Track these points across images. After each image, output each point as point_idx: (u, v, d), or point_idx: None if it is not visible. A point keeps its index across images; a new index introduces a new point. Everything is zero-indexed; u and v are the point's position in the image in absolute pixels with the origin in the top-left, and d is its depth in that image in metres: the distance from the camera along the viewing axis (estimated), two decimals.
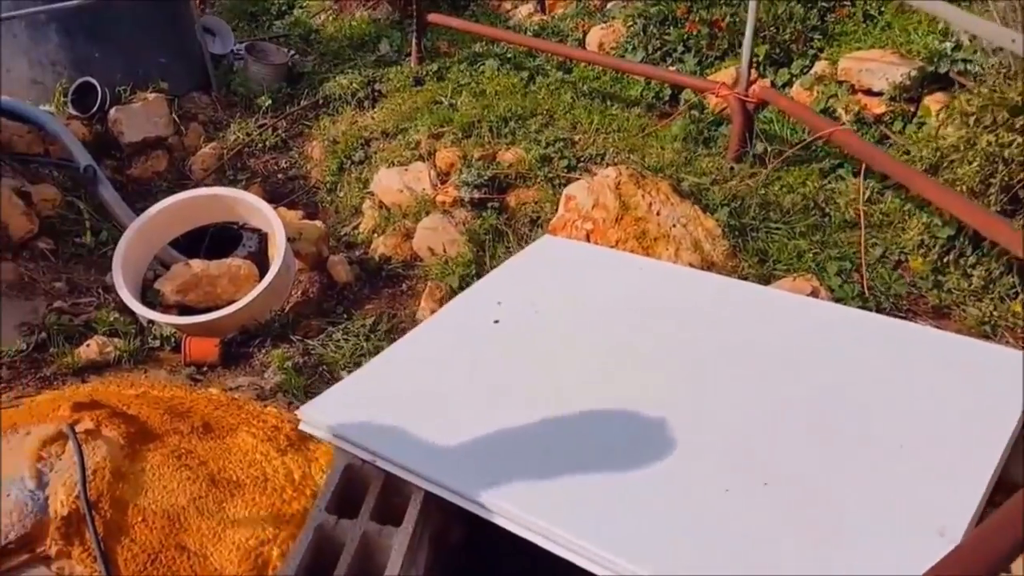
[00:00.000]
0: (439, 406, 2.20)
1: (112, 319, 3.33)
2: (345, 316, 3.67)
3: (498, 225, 3.82)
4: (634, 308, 2.51)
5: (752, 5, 3.58)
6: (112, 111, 4.70)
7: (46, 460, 2.26)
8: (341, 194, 4.62)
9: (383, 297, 3.84)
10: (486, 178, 3.97)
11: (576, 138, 4.17)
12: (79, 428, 2.35)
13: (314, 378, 3.18)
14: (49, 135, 4.38)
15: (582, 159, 4.03)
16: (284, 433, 2.72)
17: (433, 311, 3.51)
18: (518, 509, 1.82)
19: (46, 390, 2.95)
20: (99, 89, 4.63)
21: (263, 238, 4.24)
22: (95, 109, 4.64)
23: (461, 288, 3.56)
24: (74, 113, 4.67)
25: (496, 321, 2.48)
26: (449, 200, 4.00)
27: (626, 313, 2.47)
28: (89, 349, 3.13)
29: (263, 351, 3.40)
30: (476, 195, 3.94)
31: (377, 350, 3.35)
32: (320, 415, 2.16)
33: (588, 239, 3.22)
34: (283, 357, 3.25)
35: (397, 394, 2.25)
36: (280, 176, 4.91)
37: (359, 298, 3.84)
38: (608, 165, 3.94)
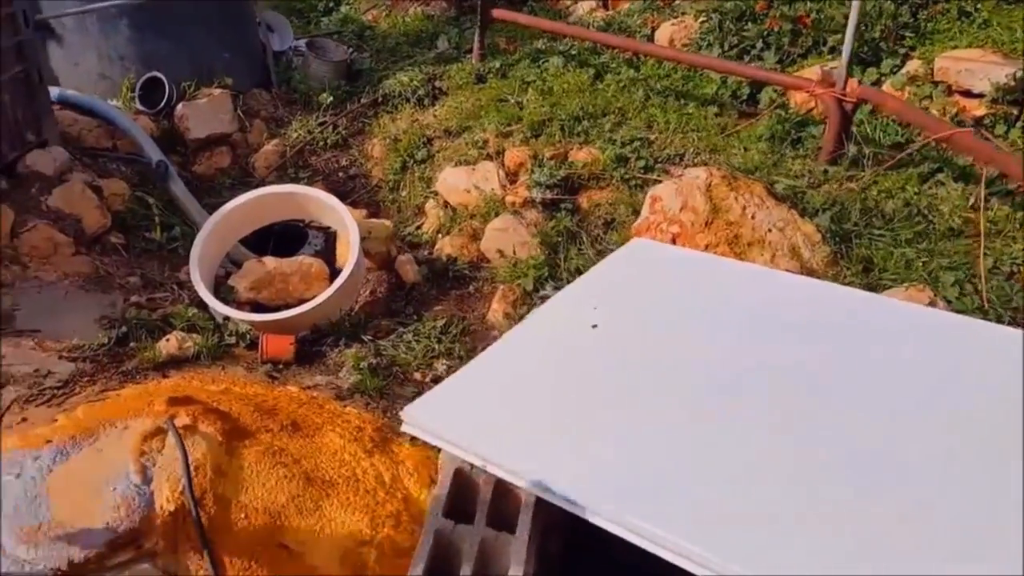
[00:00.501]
0: (545, 410, 2.21)
1: (191, 314, 3.40)
2: (415, 317, 3.72)
3: (571, 227, 3.85)
4: (740, 314, 2.51)
5: (855, 4, 3.56)
6: (179, 107, 4.81)
7: (148, 455, 2.33)
8: (403, 193, 4.68)
9: (451, 299, 3.89)
10: (558, 178, 4.01)
11: (652, 137, 4.19)
12: (177, 423, 2.42)
13: (389, 379, 3.23)
14: (119, 130, 4.49)
15: (659, 159, 4.04)
16: (367, 434, 2.78)
17: (506, 314, 3.55)
18: (634, 516, 1.83)
19: (129, 384, 3.02)
20: (166, 84, 4.73)
21: (328, 236, 4.32)
22: (162, 104, 4.75)
23: (536, 291, 3.61)
24: (141, 108, 4.78)
25: (594, 326, 2.50)
26: (519, 201, 4.04)
27: (733, 320, 2.48)
28: (169, 344, 3.20)
29: (336, 350, 3.45)
30: (548, 196, 3.98)
31: (449, 353, 3.41)
32: (425, 417, 2.19)
33: (674, 243, 3.23)
34: (357, 357, 3.30)
35: (501, 397, 2.28)
36: (341, 174, 4.98)
37: (427, 299, 3.88)
38: (687, 166, 3.95)
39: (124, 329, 3.30)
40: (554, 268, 3.71)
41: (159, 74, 4.77)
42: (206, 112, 4.84)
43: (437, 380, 3.22)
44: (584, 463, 2.02)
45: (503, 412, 2.21)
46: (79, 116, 4.56)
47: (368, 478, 2.56)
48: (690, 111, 4.53)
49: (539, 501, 2.00)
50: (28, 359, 3.09)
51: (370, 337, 3.50)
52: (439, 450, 2.77)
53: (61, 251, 3.82)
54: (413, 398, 3.12)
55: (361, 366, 3.23)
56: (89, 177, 4.23)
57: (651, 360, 2.32)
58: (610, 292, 2.69)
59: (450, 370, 3.26)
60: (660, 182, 3.89)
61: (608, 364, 2.38)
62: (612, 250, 3.70)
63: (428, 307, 3.79)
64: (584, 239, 3.82)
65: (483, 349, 3.35)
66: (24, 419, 2.78)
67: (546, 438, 2.10)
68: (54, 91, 4.41)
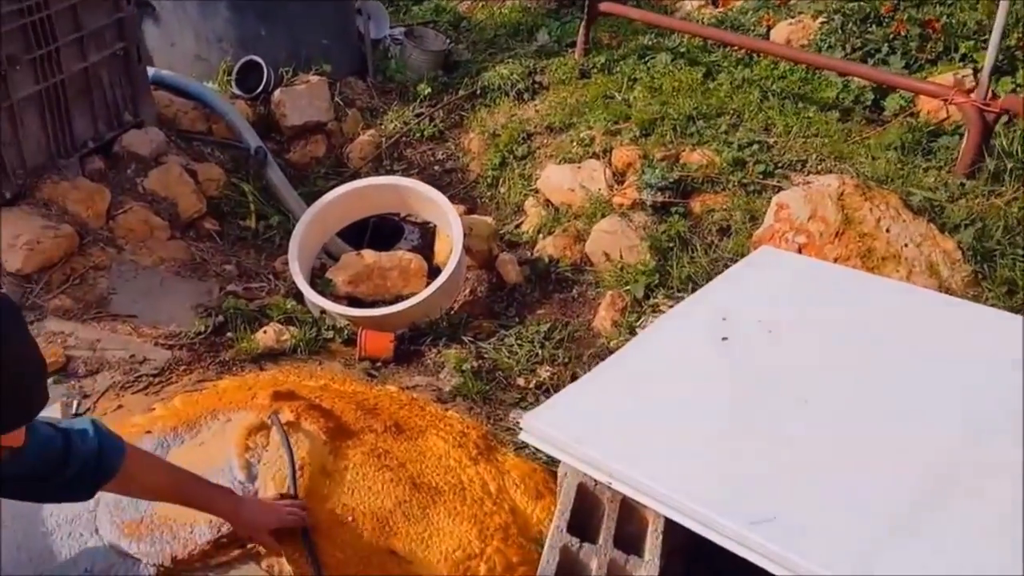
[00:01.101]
0: (673, 426, 2.11)
1: (288, 306, 3.38)
2: (516, 320, 3.64)
3: (683, 232, 3.71)
4: (882, 332, 2.37)
5: (1003, 4, 3.36)
6: (276, 92, 4.83)
7: (252, 451, 2.29)
8: (502, 190, 4.61)
9: (554, 302, 3.80)
10: (670, 180, 3.88)
11: (771, 141, 4.03)
12: (279, 419, 2.38)
13: (492, 384, 3.15)
14: (215, 113, 4.54)
15: (779, 164, 3.88)
16: (472, 440, 2.70)
17: (615, 322, 3.44)
18: (776, 544, 1.71)
19: (226, 375, 3.01)
20: (264, 69, 4.76)
21: (426, 232, 4.28)
22: (259, 89, 4.78)
23: (646, 299, 3.49)
24: (237, 92, 4.82)
25: (724, 338, 2.38)
26: (627, 202, 3.92)
27: (875, 337, 2.33)
28: (266, 336, 3.19)
29: (435, 350, 3.39)
30: (659, 198, 3.85)
31: (553, 359, 3.32)
32: (545, 427, 2.10)
33: (800, 253, 3.08)
34: (458, 359, 3.23)
35: (625, 410, 2.18)
36: (437, 168, 4.94)
37: (529, 301, 3.80)
38: (809, 172, 3.78)
39: (221, 318, 3.30)
40: (665, 275, 3.57)
41: (257, 58, 4.80)
42: (303, 99, 4.86)
43: (540, 387, 3.14)
44: (717, 484, 1.91)
45: (629, 426, 2.12)
46: (175, 97, 4.61)
47: (474, 487, 2.48)
48: (810, 115, 4.35)
49: (667, 522, 1.90)
50: (124, 344, 3.11)
51: (470, 338, 3.43)
52: (546, 462, 2.71)
53: (157, 235, 3.85)
54: (516, 404, 3.06)
55: (463, 368, 3.16)
56: (184, 160, 4.27)
57: (787, 377, 2.20)
58: (740, 303, 2.56)
59: (554, 377, 3.17)
60: (781, 188, 3.73)
61: (741, 380, 2.26)
62: (727, 259, 3.58)
63: (530, 310, 3.71)
64: (697, 246, 3.68)
65: (589, 357, 3.29)
66: (120, 406, 2.78)
67: (676, 456, 2.00)
68: (150, 71, 4.46)
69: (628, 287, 3.56)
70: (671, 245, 3.71)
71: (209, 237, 4.05)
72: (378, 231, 4.22)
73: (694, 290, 3.42)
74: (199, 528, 2.06)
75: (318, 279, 3.67)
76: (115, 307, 3.34)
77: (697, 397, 2.20)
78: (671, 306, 3.34)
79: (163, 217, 3.93)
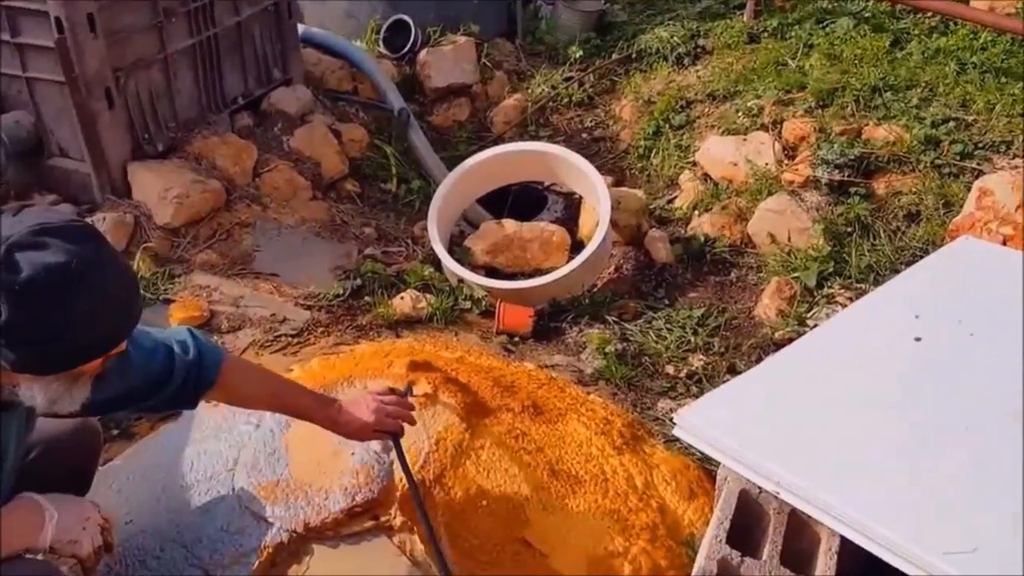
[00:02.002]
0: (853, 433, 1.94)
1: (426, 273, 3.39)
2: (666, 302, 3.52)
3: (863, 216, 3.47)
4: None
5: None
6: (422, 53, 4.86)
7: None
8: (655, 161, 4.46)
9: (708, 285, 3.65)
10: (850, 158, 3.64)
11: (970, 119, 3.71)
12: (417, 391, 2.37)
13: (638, 369, 3.06)
14: (361, 73, 4.60)
15: (980, 145, 3.57)
16: (616, 428, 2.61)
17: (781, 312, 3.26)
18: None
19: (363, 340, 3.05)
20: (412, 28, 4.79)
21: (570, 203, 4.20)
22: (406, 49, 4.82)
23: (819, 288, 3.29)
24: (384, 52, 4.88)
25: (917, 339, 2.18)
26: (799, 180, 3.71)
27: None
28: (403, 302, 3.20)
29: (576, 329, 3.32)
30: (836, 177, 3.62)
31: (707, 348, 3.18)
32: (704, 425, 1.97)
33: (1004, 247, 2.80)
34: (602, 339, 3.14)
35: (799, 412, 2.02)
36: (585, 136, 4.84)
37: (680, 283, 3.67)
38: (1016, 156, 3.47)
39: (359, 282, 3.35)
40: (840, 264, 3.36)
41: (406, 17, 4.83)
42: (449, 60, 4.86)
43: (692, 376, 3.01)
44: (903, 504, 1.74)
45: (801, 430, 1.95)
46: (322, 56, 4.70)
47: (618, 479, 2.39)
48: (1016, 91, 3.97)
49: (842, 540, 1.76)
50: (265, 303, 3.20)
51: (615, 318, 3.34)
52: (700, 459, 2.59)
53: (300, 194, 3.95)
54: (665, 394, 2.95)
55: (606, 350, 3.08)
56: (330, 120, 4.35)
57: (991, 388, 1.98)
58: (936, 299, 2.34)
59: (708, 367, 3.03)
60: (981, 172, 3.44)
61: (935, 386, 2.06)
62: (915, 248, 3.33)
63: (682, 292, 3.58)
64: (880, 232, 3.44)
65: (750, 348, 3.13)
66: (260, 364, 2.85)
67: (855, 467, 1.83)
68: (300, 28, 4.56)
69: (797, 274, 3.37)
70: (849, 230, 3.48)
71: (350, 199, 4.11)
72: (520, 200, 4.17)
73: (875, 281, 3.21)
74: (334, 496, 2.08)
75: (456, 247, 3.66)
76: (258, 265, 3.45)
77: (882, 402, 2.02)
78: (849, 298, 3.14)
79: (306, 177, 4.03)
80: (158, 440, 2.45)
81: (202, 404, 2.46)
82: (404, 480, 2.12)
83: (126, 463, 2.38)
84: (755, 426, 1.96)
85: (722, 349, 3.12)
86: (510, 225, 3.67)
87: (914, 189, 3.49)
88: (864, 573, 1.88)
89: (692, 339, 3.21)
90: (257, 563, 1.96)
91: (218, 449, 2.26)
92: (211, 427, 2.38)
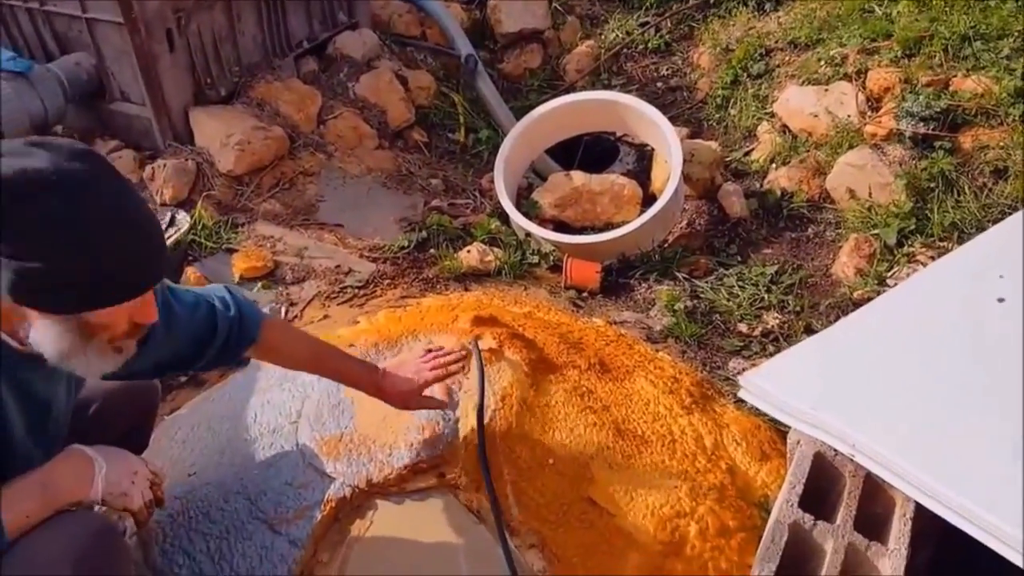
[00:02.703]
0: (931, 397, 1.90)
1: (492, 227, 3.38)
2: (739, 258, 3.45)
3: (948, 171, 3.34)
4: None
5: None
6: None
7: (454, 376, 2.29)
8: (733, 112, 4.35)
9: (784, 242, 3.56)
10: (936, 110, 3.49)
11: None
12: (483, 346, 2.37)
13: (708, 327, 3.01)
14: (430, 17, 4.56)
15: None
16: (685, 387, 2.59)
17: (859, 270, 3.18)
18: None
19: (429, 293, 3.06)
20: None
21: (643, 155, 4.13)
22: None
23: (900, 246, 3.19)
24: None
25: (1001, 300, 2.10)
26: (882, 133, 3.57)
27: None
28: (470, 255, 3.20)
29: (644, 285, 3.29)
30: (920, 130, 3.48)
31: (782, 306, 3.12)
32: (773, 387, 1.95)
33: None
34: (671, 296, 3.10)
35: (874, 373, 1.98)
36: (660, 84, 4.74)
37: (755, 239, 3.59)
38: None
39: (424, 234, 3.35)
40: (922, 221, 3.24)
41: None
42: (519, 5, 4.78)
43: (767, 335, 2.96)
44: (983, 472, 1.71)
45: (877, 392, 1.93)
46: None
47: (687, 439, 2.38)
48: None
49: (917, 506, 1.72)
50: (330, 254, 3.23)
51: (685, 275, 3.29)
52: (773, 420, 2.55)
53: (365, 143, 3.96)
54: (737, 353, 2.91)
55: (676, 307, 3.04)
56: (396, 66, 4.33)
57: None
58: (1020, 259, 2.25)
59: (784, 326, 2.98)
60: None
61: (1018, 350, 1.99)
62: (1003, 206, 3.21)
63: (756, 249, 3.50)
64: (964, 188, 3.31)
65: (828, 308, 3.06)
66: (326, 316, 2.90)
67: (933, 432, 1.80)
68: None
69: (877, 231, 3.27)
70: (932, 185, 3.36)
71: (416, 148, 4.11)
72: (590, 151, 4.12)
73: (959, 240, 3.11)
74: (397, 452, 2.10)
75: (524, 199, 3.64)
76: (322, 215, 3.47)
77: (962, 366, 1.97)
78: (931, 256, 3.04)
79: (372, 125, 4.02)
80: (225, 390, 2.50)
81: None
82: (469, 438, 2.15)
83: (191, 413, 2.44)
84: (829, 388, 1.94)
85: (798, 308, 3.06)
86: (579, 177, 3.62)
87: (1002, 144, 3.34)
88: (941, 539, 1.85)
89: (766, 297, 3.15)
90: (320, 517, 1.99)
91: (282, 400, 2.30)
92: (276, 376, 2.42)
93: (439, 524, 2.04)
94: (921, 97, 3.55)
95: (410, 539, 2.02)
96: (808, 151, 3.80)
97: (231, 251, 3.17)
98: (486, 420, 2.16)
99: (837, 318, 2.95)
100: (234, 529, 1.99)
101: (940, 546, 1.92)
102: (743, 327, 3.01)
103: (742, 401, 2.64)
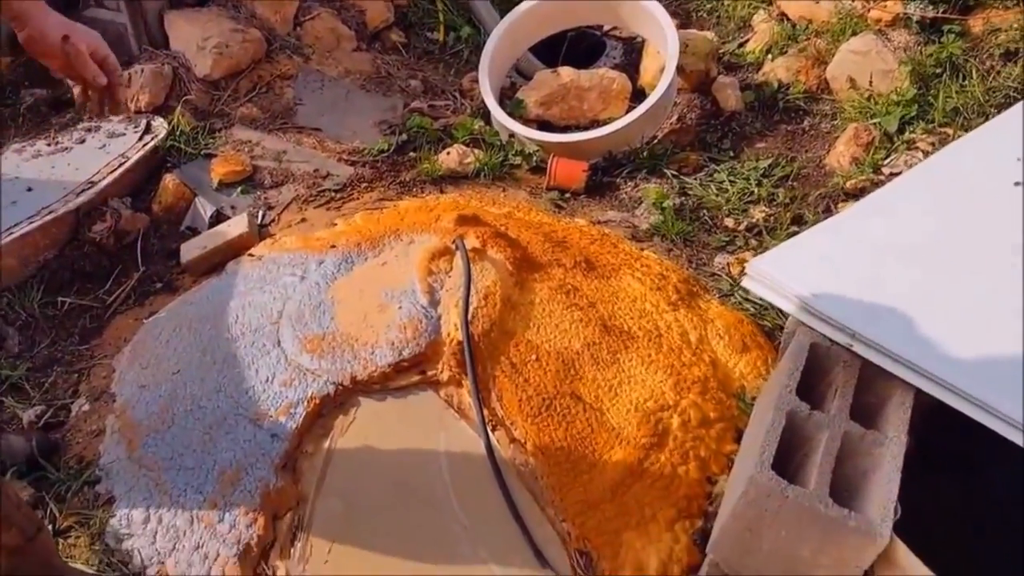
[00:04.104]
0: (935, 285, 1.91)
1: (475, 127, 3.38)
2: (731, 153, 3.46)
3: (956, 56, 3.31)
4: None
5: None
6: None
7: (436, 274, 2.34)
8: (726, 1, 4.29)
9: (779, 134, 3.56)
10: None
11: None
12: (467, 245, 2.40)
13: (695, 224, 3.04)
14: None
15: None
16: (671, 284, 2.64)
17: (855, 159, 3.19)
18: None
19: (406, 196, 3.08)
20: None
21: (630, 49, 4.09)
22: None
23: (900, 134, 3.19)
24: None
25: (1017, 183, 2.11)
26: (887, 18, 3.53)
27: None
28: (449, 157, 3.21)
29: (631, 183, 3.30)
30: (929, 13, 3.44)
31: (771, 199, 3.15)
32: (777, 273, 1.95)
33: None
34: (659, 194, 3.12)
35: (877, 263, 1.98)
36: None
37: (748, 133, 3.59)
38: None
39: (404, 137, 3.36)
40: (925, 108, 3.24)
41: None
42: None
43: (752, 229, 3.00)
44: (988, 359, 1.73)
45: (878, 282, 1.92)
46: None
47: (672, 335, 2.44)
48: None
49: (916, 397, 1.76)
50: (308, 157, 3.24)
51: (674, 172, 3.30)
52: (754, 313, 2.61)
53: (343, 45, 3.92)
54: (722, 248, 2.95)
55: (663, 205, 3.06)
56: None
57: None
58: None
59: (770, 219, 3.01)
60: None
61: None
62: (1010, 88, 3.19)
63: (749, 142, 3.50)
64: (971, 72, 3.28)
65: (818, 198, 3.08)
66: (303, 219, 2.93)
67: (936, 320, 1.80)
68: None
69: (877, 120, 3.26)
70: (938, 71, 3.34)
71: (395, 49, 4.07)
72: (575, 48, 4.07)
73: (962, 126, 3.11)
74: (380, 351, 2.16)
75: (507, 99, 3.62)
76: (300, 119, 3.48)
77: (970, 253, 1.98)
78: (931, 143, 3.04)
79: (349, 26, 3.99)
80: (202, 293, 2.56)
81: (245, 258, 2.57)
82: (452, 335, 2.20)
83: (171, 316, 2.51)
84: (830, 277, 1.94)
85: (787, 200, 3.08)
86: (567, 73, 3.59)
87: (1016, 25, 3.30)
88: (934, 430, 1.91)
89: (755, 191, 3.17)
90: (304, 414, 2.07)
91: (263, 301, 2.36)
92: (256, 279, 2.47)
93: (421, 420, 2.12)
94: None
95: (392, 434, 2.10)
96: (808, 39, 3.77)
97: (210, 156, 3.19)
98: (468, 318, 2.21)
99: (827, 208, 2.98)
100: (217, 424, 2.08)
101: (920, 436, 1.98)
102: (730, 222, 3.04)
103: (727, 296, 2.70)
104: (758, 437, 1.76)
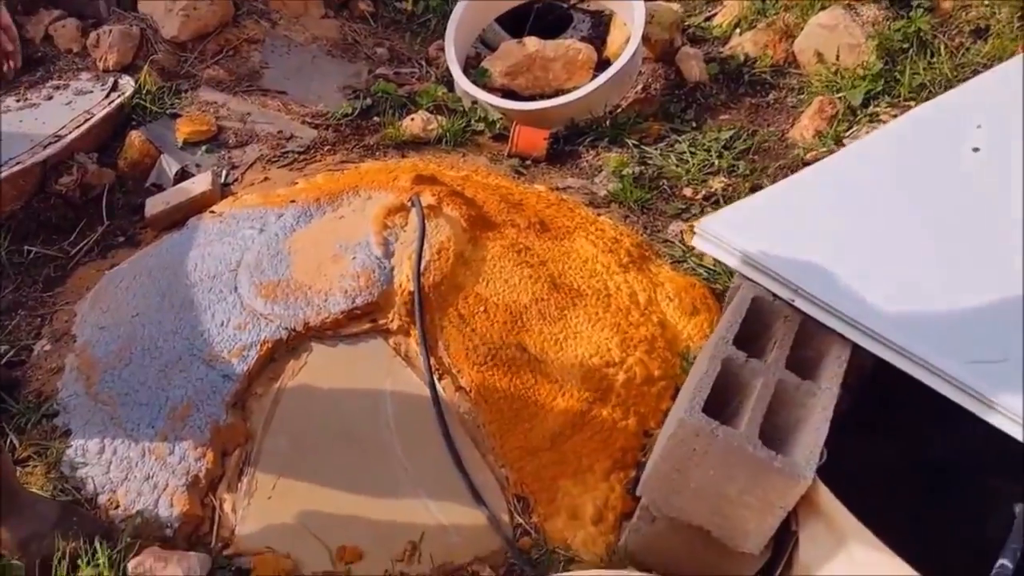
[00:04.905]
0: (882, 245, 2.02)
1: (439, 94, 3.50)
2: (694, 124, 3.59)
3: (924, 32, 3.46)
4: None
5: None
6: None
7: (391, 228, 2.47)
8: None
9: (743, 107, 3.70)
10: None
11: None
12: (422, 202, 2.53)
13: (654, 192, 3.18)
14: None
15: None
16: (624, 247, 2.77)
17: (818, 132, 3.34)
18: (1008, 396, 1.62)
19: (368, 159, 3.21)
20: None
21: (598, 21, 4.21)
22: None
23: (865, 108, 3.33)
24: None
25: (976, 149, 2.23)
26: None
27: None
28: (413, 123, 3.34)
29: (593, 152, 3.44)
30: None
31: (731, 170, 3.28)
32: (726, 232, 2.04)
33: None
34: (619, 162, 3.26)
35: (828, 223, 2.09)
36: None
37: (712, 105, 3.73)
38: None
39: (369, 101, 3.48)
40: (891, 83, 3.39)
41: None
42: None
43: (709, 198, 3.14)
44: (926, 316, 1.83)
45: (825, 242, 2.02)
46: None
47: (621, 295, 2.57)
48: None
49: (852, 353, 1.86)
50: (272, 120, 3.36)
51: (636, 141, 3.43)
52: (706, 278, 2.75)
53: (311, 11, 4.04)
54: (678, 216, 3.09)
55: (623, 173, 3.20)
56: None
57: None
58: (1000, 111, 2.34)
59: (728, 188, 3.15)
60: None
61: (986, 200, 2.09)
62: (977, 65, 3.34)
63: (713, 115, 3.64)
64: (940, 49, 3.43)
65: (777, 170, 3.24)
66: (266, 178, 3.06)
67: (880, 280, 1.90)
68: None
69: (842, 94, 3.41)
70: (906, 46, 3.48)
71: (363, 18, 4.19)
72: (542, 19, 4.19)
73: (927, 99, 3.22)
74: (333, 298, 2.29)
75: (472, 69, 3.74)
76: (266, 82, 3.59)
77: (922, 214, 2.07)
78: (894, 115, 3.17)
79: None
80: (162, 246, 2.68)
81: (207, 214, 2.69)
82: (403, 285, 2.33)
83: (132, 266, 2.63)
84: (778, 236, 2.02)
85: (747, 171, 3.23)
86: (532, 43, 3.71)
87: (986, 2, 3.44)
88: (859, 393, 2.03)
89: (716, 162, 3.31)
90: (256, 357, 2.20)
91: (222, 252, 2.48)
92: (215, 232, 2.60)
93: (369, 366, 2.25)
94: None
95: (341, 379, 2.23)
96: (777, 14, 3.90)
97: (175, 116, 3.30)
98: (420, 271, 2.34)
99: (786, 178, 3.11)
100: (171, 364, 2.21)
101: (858, 401, 2.10)
102: (688, 191, 3.18)
103: (679, 262, 2.83)
104: (692, 384, 1.87)
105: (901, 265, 1.95)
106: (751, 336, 1.92)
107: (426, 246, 2.40)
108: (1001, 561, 1.42)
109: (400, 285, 2.33)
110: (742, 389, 1.83)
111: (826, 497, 1.66)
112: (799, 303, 1.91)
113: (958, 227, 2.04)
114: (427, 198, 2.58)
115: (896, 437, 2.14)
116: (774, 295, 1.94)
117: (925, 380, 1.72)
